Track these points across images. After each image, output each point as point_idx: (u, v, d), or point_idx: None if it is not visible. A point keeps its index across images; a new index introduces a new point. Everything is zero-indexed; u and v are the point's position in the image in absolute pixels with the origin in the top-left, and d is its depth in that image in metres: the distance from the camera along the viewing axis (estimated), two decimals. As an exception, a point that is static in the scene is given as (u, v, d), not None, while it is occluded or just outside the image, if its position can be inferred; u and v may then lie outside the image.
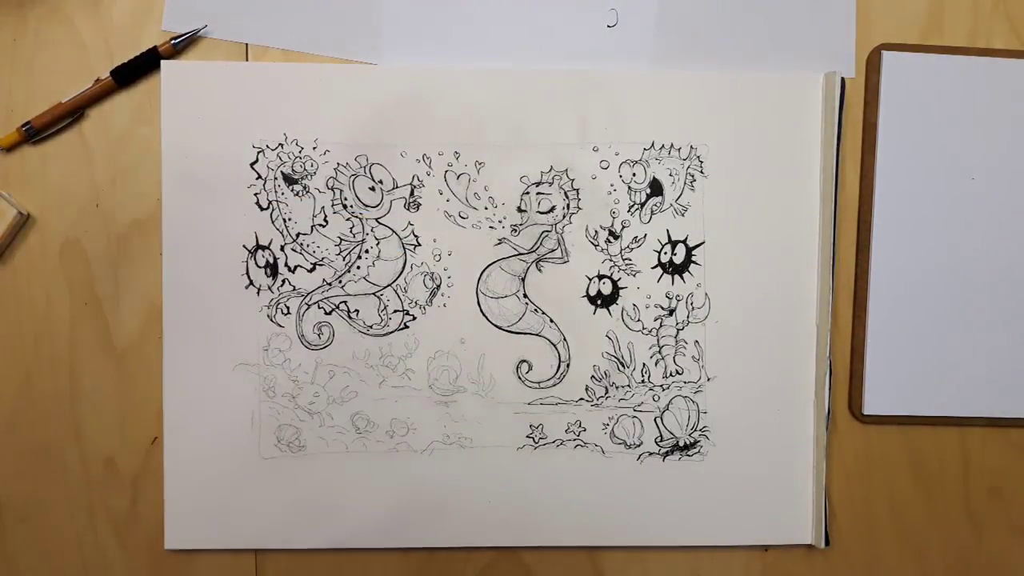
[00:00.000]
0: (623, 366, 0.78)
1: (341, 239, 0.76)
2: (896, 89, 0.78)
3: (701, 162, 0.77)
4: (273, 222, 0.76)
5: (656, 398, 0.78)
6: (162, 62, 0.75)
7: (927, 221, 0.79)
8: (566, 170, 0.77)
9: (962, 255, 0.79)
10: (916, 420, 0.80)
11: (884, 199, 0.78)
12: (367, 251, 0.76)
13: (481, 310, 0.77)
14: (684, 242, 0.77)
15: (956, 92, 0.78)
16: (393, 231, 0.76)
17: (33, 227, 0.76)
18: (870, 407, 0.79)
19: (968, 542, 0.81)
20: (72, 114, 0.76)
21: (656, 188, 0.77)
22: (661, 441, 0.78)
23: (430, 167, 0.76)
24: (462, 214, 0.77)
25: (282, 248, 0.76)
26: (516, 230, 0.77)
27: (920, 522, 0.81)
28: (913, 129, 0.78)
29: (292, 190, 0.76)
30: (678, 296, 0.78)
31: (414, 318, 0.77)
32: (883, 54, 0.78)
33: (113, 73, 0.75)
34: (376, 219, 0.76)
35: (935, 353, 0.79)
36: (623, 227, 0.77)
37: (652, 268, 0.77)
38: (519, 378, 0.77)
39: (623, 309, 0.77)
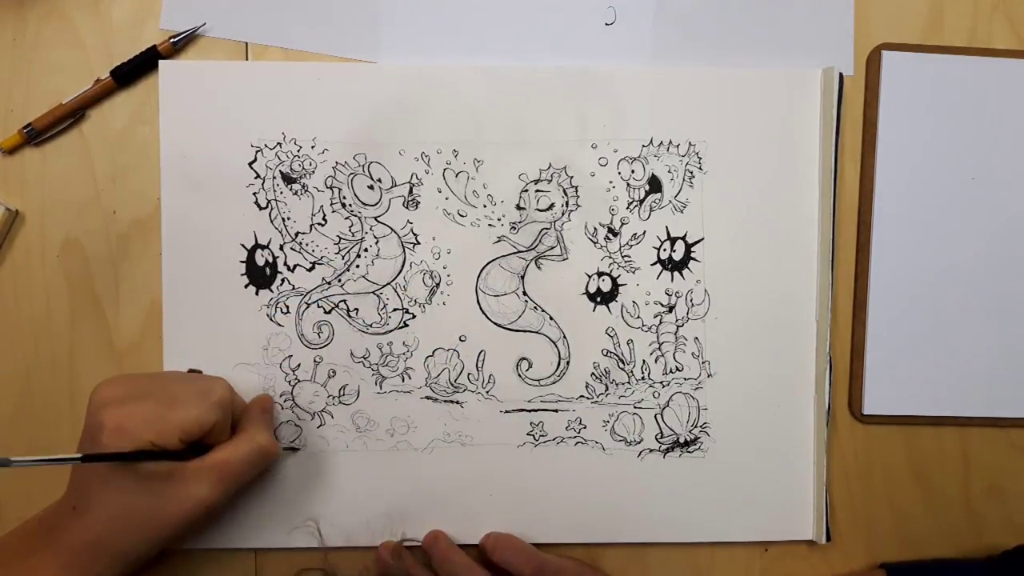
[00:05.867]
0: (623, 363, 0.78)
1: (340, 238, 0.76)
2: (896, 89, 0.78)
3: (700, 159, 0.77)
4: (272, 221, 0.76)
5: (656, 395, 0.78)
6: (160, 62, 0.75)
7: (927, 221, 0.79)
8: (565, 167, 0.77)
9: (962, 255, 0.79)
10: (916, 420, 0.80)
11: (884, 199, 0.78)
12: (366, 250, 0.76)
13: (481, 308, 0.77)
14: (683, 239, 0.77)
15: (956, 92, 0.79)
16: (392, 229, 0.76)
17: (33, 227, 0.76)
18: (870, 407, 0.79)
19: (968, 541, 0.81)
20: (73, 115, 0.76)
21: (655, 185, 0.77)
22: (661, 438, 0.78)
23: (428, 165, 0.76)
24: (461, 212, 0.77)
25: (281, 247, 0.76)
26: (515, 228, 0.77)
27: (920, 522, 0.80)
28: (913, 129, 0.78)
29: (291, 189, 0.76)
30: (678, 293, 0.78)
31: (413, 316, 0.77)
32: (883, 54, 0.78)
33: (113, 73, 0.75)
34: (375, 218, 0.76)
35: (935, 353, 0.79)
36: (622, 224, 0.77)
37: (651, 265, 0.77)
38: (519, 376, 0.77)
39: (623, 306, 0.77)
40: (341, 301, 0.77)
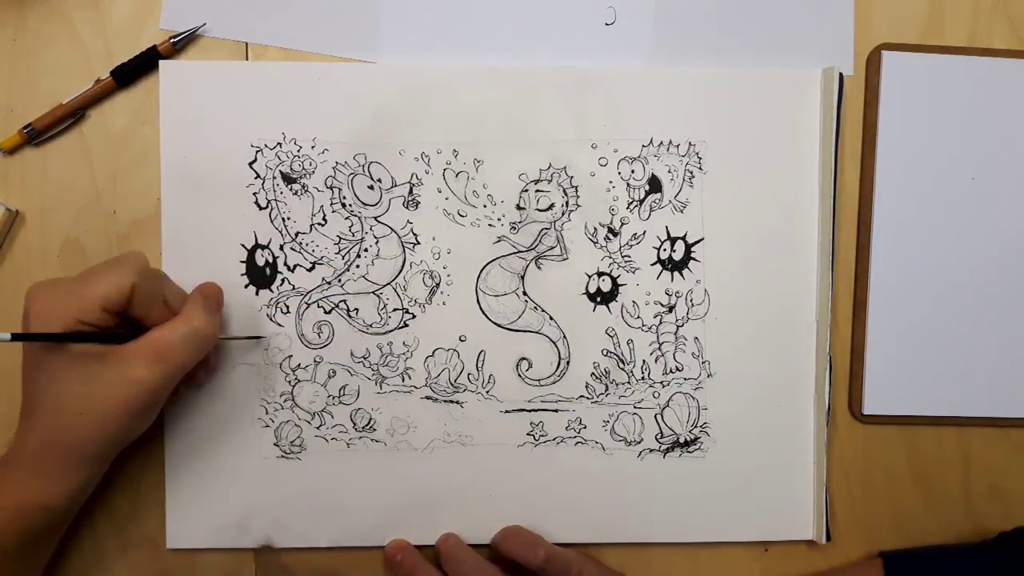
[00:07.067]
0: (623, 363, 0.78)
1: (340, 238, 0.76)
2: (896, 89, 0.78)
3: (700, 159, 0.77)
4: (272, 221, 0.76)
5: (656, 395, 0.78)
6: (160, 62, 0.75)
7: (927, 221, 0.79)
8: (565, 167, 0.77)
9: (962, 255, 0.79)
10: (916, 420, 0.80)
11: (884, 199, 0.78)
12: (366, 250, 0.76)
13: (480, 308, 0.77)
14: (683, 239, 0.77)
15: (956, 92, 0.79)
16: (392, 230, 0.76)
17: (33, 227, 0.76)
18: (870, 407, 0.79)
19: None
20: (73, 115, 0.76)
21: (655, 185, 0.77)
22: (661, 438, 0.78)
23: (428, 165, 0.76)
24: (461, 212, 0.77)
25: (281, 247, 0.76)
26: (515, 228, 0.77)
27: (920, 522, 0.81)
28: (913, 129, 0.78)
29: (291, 189, 0.76)
30: (678, 293, 0.77)
31: (413, 316, 0.77)
32: (883, 54, 0.78)
33: (113, 73, 0.75)
34: (375, 218, 0.76)
35: (935, 353, 0.79)
36: (622, 224, 0.77)
37: (651, 265, 0.77)
38: (519, 376, 0.77)
39: (623, 306, 0.77)
40: (341, 301, 0.77)
